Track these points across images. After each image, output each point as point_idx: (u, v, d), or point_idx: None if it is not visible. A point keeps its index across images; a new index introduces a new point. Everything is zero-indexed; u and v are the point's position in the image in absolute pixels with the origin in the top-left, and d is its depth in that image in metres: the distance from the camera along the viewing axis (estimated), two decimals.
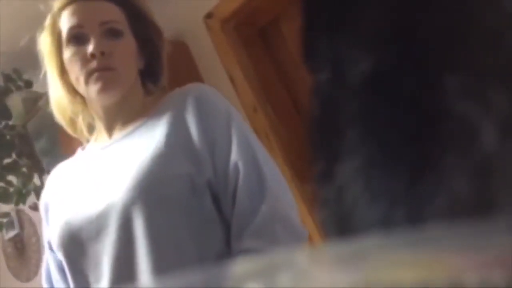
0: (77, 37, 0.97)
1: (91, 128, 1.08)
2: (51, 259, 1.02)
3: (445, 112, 0.30)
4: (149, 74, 1.07)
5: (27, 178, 2.49)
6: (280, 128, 2.05)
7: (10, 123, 2.55)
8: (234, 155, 0.91)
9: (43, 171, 2.36)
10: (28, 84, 2.50)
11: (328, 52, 0.37)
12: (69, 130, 1.08)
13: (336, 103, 0.36)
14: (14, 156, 2.51)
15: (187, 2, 2.24)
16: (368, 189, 0.33)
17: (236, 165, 0.91)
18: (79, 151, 1.11)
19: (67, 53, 0.98)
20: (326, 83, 0.38)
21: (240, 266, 0.28)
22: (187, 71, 2.21)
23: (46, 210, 1.05)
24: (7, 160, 2.50)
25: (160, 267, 0.86)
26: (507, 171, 0.28)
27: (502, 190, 0.28)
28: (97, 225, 0.90)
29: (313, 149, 0.39)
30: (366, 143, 0.34)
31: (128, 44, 1.00)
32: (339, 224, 0.35)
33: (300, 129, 2.05)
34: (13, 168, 2.49)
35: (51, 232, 1.00)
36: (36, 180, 2.43)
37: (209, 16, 2.17)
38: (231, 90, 2.12)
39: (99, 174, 0.98)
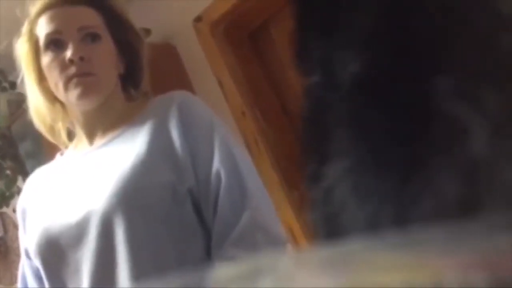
0: (55, 43, 0.96)
1: (71, 135, 1.07)
2: (27, 267, 1.00)
3: (435, 114, 0.31)
4: (129, 79, 1.06)
5: (11, 181, 2.46)
6: (268, 132, 2.05)
7: None
8: (216, 164, 0.91)
9: (27, 174, 2.33)
10: (13, 85, 2.47)
11: (319, 55, 0.37)
12: (48, 137, 1.07)
13: (327, 105, 0.36)
14: None
15: (177, 6, 2.24)
16: (357, 191, 0.33)
17: (218, 174, 0.90)
18: (57, 157, 1.09)
19: (45, 59, 0.97)
20: (317, 85, 0.38)
21: (222, 270, 0.28)
22: (175, 74, 2.21)
23: (24, 216, 1.03)
24: None
25: (139, 275, 0.85)
26: (495, 173, 0.28)
27: (490, 192, 0.28)
28: (76, 232, 0.89)
29: (304, 150, 0.39)
30: (356, 145, 0.34)
31: (107, 49, 0.99)
32: (328, 225, 0.35)
33: (289, 134, 2.06)
34: None
35: (28, 239, 0.98)
36: (20, 183, 2.40)
37: (198, 19, 2.17)
38: (219, 94, 2.12)
39: (79, 180, 0.96)
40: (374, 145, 0.33)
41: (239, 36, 2.18)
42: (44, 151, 2.08)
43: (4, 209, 2.64)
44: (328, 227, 0.35)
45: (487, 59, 0.31)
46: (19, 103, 2.32)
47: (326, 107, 0.36)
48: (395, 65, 0.33)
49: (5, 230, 2.91)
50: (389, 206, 0.31)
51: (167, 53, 2.23)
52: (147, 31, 2.16)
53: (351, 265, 0.23)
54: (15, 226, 2.82)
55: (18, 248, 2.92)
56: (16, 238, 2.84)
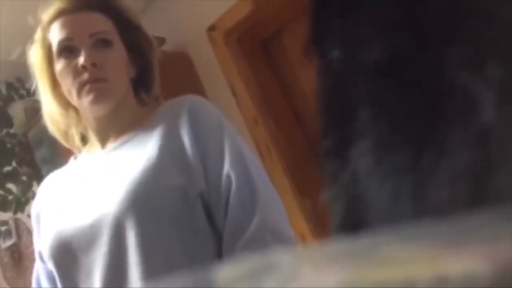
0: (68, 50, 0.97)
1: (85, 140, 1.08)
2: (42, 269, 1.01)
3: (452, 90, 0.31)
4: (141, 84, 1.07)
5: (27, 187, 2.49)
6: (281, 140, 2.05)
7: (12, 131, 2.56)
8: (227, 167, 0.91)
9: (43, 180, 2.36)
10: (31, 93, 2.51)
11: (338, 34, 0.37)
12: (63, 142, 1.08)
13: (345, 84, 0.37)
14: (14, 164, 2.51)
15: (191, 15, 2.26)
16: (376, 168, 0.33)
17: (228, 177, 0.90)
18: (71, 161, 1.10)
19: (58, 66, 0.98)
20: (335, 64, 0.38)
21: (228, 269, 0.28)
22: (189, 82, 2.23)
23: (38, 220, 1.04)
24: (7, 168, 2.50)
25: (151, 278, 0.85)
26: (507, 143, 0.28)
27: (503, 162, 0.28)
28: (88, 236, 0.89)
29: (322, 129, 0.39)
30: (375, 123, 0.34)
31: (118, 54, 1.00)
32: (348, 203, 0.35)
33: (301, 141, 2.06)
34: (13, 176, 2.49)
35: (42, 242, 0.99)
36: (35, 188, 2.43)
37: (212, 28, 2.18)
38: (232, 102, 2.13)
39: (91, 184, 0.97)
40: (392, 122, 0.33)
41: (252, 45, 2.19)
42: (60, 156, 2.10)
43: (19, 215, 2.67)
44: (346, 206, 0.35)
45: (497, 32, 0.31)
46: (35, 110, 2.36)
47: (344, 86, 0.36)
48: (412, 43, 0.33)
49: (19, 236, 2.93)
50: (408, 182, 0.31)
51: (181, 62, 2.25)
52: (161, 40, 2.19)
53: (357, 261, 0.23)
54: (29, 232, 2.85)
55: (31, 254, 2.93)
56: (30, 244, 2.86)
